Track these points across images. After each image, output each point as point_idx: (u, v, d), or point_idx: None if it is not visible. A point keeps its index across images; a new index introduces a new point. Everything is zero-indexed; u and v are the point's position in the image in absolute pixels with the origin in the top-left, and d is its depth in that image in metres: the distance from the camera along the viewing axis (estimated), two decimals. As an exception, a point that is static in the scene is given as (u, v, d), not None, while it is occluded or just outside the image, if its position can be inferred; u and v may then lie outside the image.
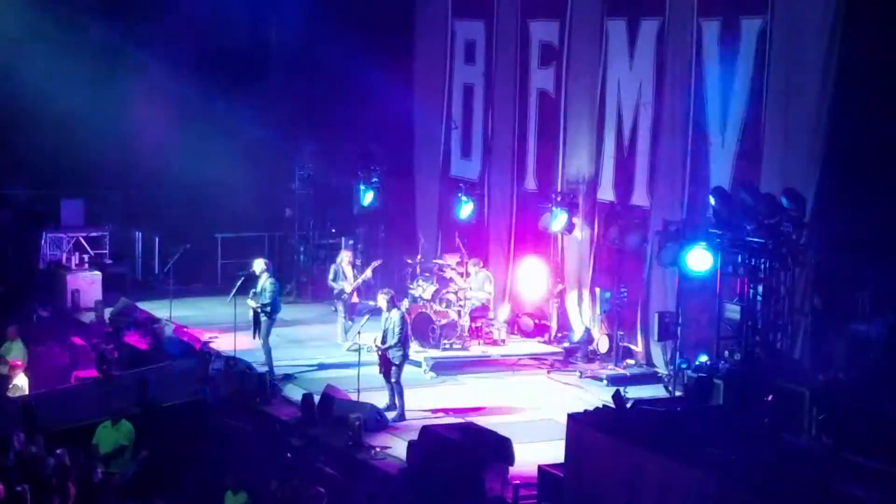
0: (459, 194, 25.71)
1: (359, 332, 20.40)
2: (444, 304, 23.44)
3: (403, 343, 19.87)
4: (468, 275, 23.73)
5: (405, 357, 20.02)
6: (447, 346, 22.87)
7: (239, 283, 22.17)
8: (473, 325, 23.37)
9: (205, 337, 23.77)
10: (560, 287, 24.02)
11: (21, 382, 21.36)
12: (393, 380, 19.88)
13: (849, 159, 18.42)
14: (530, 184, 25.23)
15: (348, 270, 24.25)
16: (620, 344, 22.48)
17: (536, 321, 24.46)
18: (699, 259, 19.62)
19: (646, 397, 18.40)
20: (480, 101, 26.41)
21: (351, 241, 26.93)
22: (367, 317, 22.06)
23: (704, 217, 20.37)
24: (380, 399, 19.94)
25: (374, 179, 27.10)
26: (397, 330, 19.74)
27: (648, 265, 22.12)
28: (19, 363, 21.65)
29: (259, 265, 22.02)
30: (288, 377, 21.80)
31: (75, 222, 28.40)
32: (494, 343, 23.62)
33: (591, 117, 23.51)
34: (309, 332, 24.87)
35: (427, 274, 24.23)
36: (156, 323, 23.99)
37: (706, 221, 20.08)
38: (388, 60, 27.02)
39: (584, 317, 23.58)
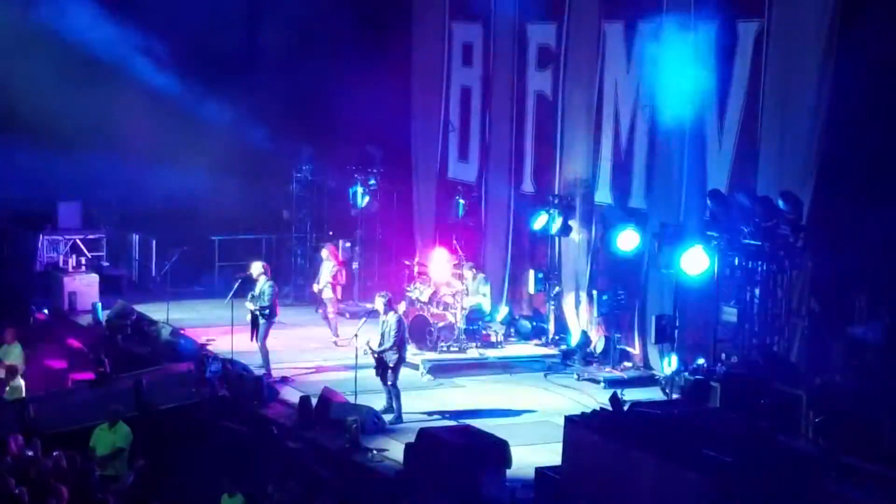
0: (457, 196, 25.69)
1: (356, 335, 20.40)
2: (441, 307, 23.44)
3: (399, 346, 19.86)
4: (463, 277, 23.73)
5: (401, 360, 20.00)
6: (444, 349, 22.88)
7: (237, 286, 22.20)
8: (471, 328, 23.38)
9: (202, 339, 23.77)
10: (557, 289, 24.02)
11: (18, 385, 21.34)
12: (390, 382, 19.88)
13: (845, 162, 18.41)
14: (528, 186, 25.24)
15: (325, 268, 24.27)
16: (617, 346, 22.49)
17: (534, 323, 24.47)
18: (696, 262, 19.62)
19: (643, 399, 18.41)
20: (478, 103, 26.42)
21: (348, 244, 26.94)
22: (364, 319, 22.05)
23: (701, 220, 20.38)
24: (377, 402, 19.93)
25: (372, 181, 27.11)
26: (393, 333, 19.74)
27: (646, 268, 22.13)
28: (17, 366, 21.62)
29: (257, 268, 22.05)
30: (285, 380, 21.80)
31: (72, 224, 28.41)
32: (492, 345, 23.63)
33: (588, 120, 23.52)
34: (306, 335, 24.85)
35: (424, 276, 24.23)
36: (153, 325, 23.98)
37: (703, 224, 20.10)
38: (385, 62, 27.03)
39: (582, 319, 23.58)
